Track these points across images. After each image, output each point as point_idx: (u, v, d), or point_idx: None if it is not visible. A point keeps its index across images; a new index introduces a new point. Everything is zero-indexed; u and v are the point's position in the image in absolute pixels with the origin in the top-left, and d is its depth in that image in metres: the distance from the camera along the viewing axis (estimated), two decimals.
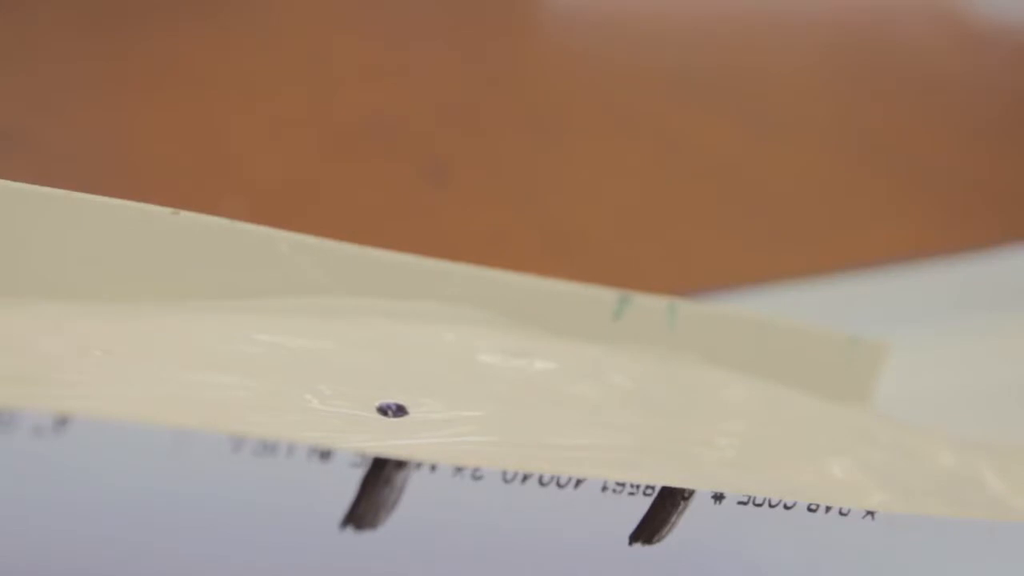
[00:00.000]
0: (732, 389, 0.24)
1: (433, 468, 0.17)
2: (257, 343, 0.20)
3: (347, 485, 0.16)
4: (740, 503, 0.19)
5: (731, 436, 0.22)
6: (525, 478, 0.17)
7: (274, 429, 0.18)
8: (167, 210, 0.21)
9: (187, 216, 0.21)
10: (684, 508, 0.18)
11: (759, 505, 0.19)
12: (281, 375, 0.20)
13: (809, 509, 0.19)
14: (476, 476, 0.17)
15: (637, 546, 0.19)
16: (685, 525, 0.18)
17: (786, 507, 0.19)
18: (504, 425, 0.20)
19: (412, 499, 0.17)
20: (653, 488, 0.18)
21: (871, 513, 0.19)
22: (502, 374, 0.22)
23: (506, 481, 0.17)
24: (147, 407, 0.18)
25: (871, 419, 0.25)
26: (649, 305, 0.24)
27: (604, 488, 0.18)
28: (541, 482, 0.17)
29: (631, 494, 0.18)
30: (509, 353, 0.22)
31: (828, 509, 0.19)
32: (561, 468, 0.18)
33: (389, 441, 0.19)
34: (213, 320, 0.20)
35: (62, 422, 0.15)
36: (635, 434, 0.21)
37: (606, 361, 0.23)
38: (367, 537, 0.17)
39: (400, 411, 0.20)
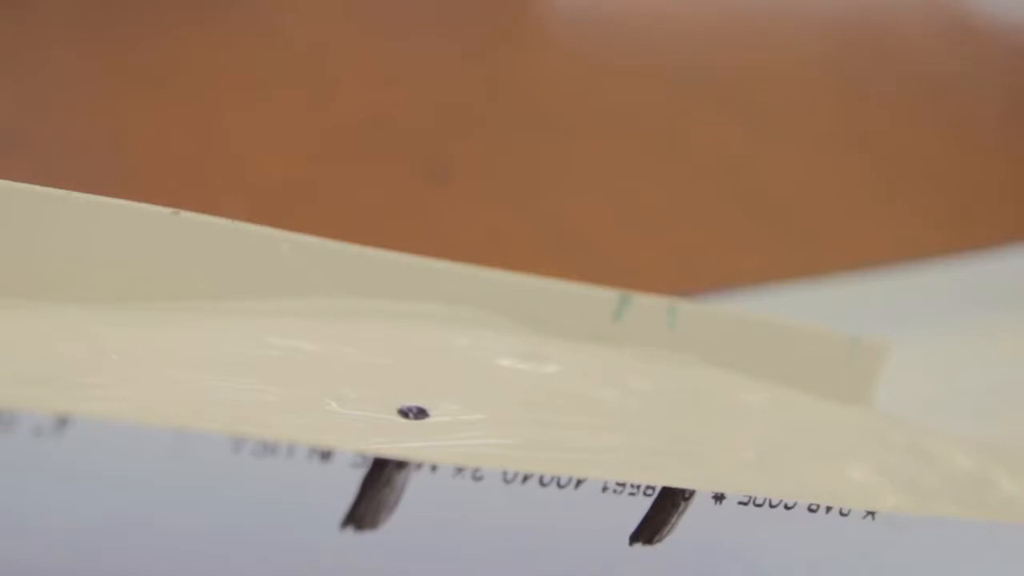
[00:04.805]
0: (746, 392, 0.24)
1: (434, 468, 0.17)
2: (270, 346, 0.20)
3: (347, 485, 0.16)
4: (740, 503, 0.19)
5: (749, 439, 0.22)
6: (525, 478, 0.17)
7: (296, 432, 0.18)
8: (167, 210, 0.21)
9: (187, 216, 0.21)
10: (684, 508, 0.18)
11: (759, 505, 0.19)
12: (298, 378, 0.20)
13: (809, 509, 0.19)
14: (476, 476, 0.17)
15: (637, 546, 0.19)
16: (685, 525, 0.18)
17: (786, 507, 0.19)
18: (522, 428, 0.20)
19: (412, 500, 0.17)
20: (653, 488, 0.18)
21: (871, 513, 0.19)
22: (515, 377, 0.21)
23: (506, 481, 0.17)
24: (165, 411, 0.18)
25: (881, 421, 0.25)
26: (649, 305, 0.24)
27: (604, 488, 0.18)
28: (541, 482, 0.17)
29: (631, 494, 0.18)
30: (521, 356, 0.22)
31: (828, 509, 0.19)
32: (576, 470, 0.18)
33: (410, 444, 0.19)
34: (222, 323, 0.20)
35: (62, 422, 0.15)
36: (655, 437, 0.21)
37: (619, 364, 0.23)
38: (367, 537, 0.17)
39: (421, 413, 0.20)
